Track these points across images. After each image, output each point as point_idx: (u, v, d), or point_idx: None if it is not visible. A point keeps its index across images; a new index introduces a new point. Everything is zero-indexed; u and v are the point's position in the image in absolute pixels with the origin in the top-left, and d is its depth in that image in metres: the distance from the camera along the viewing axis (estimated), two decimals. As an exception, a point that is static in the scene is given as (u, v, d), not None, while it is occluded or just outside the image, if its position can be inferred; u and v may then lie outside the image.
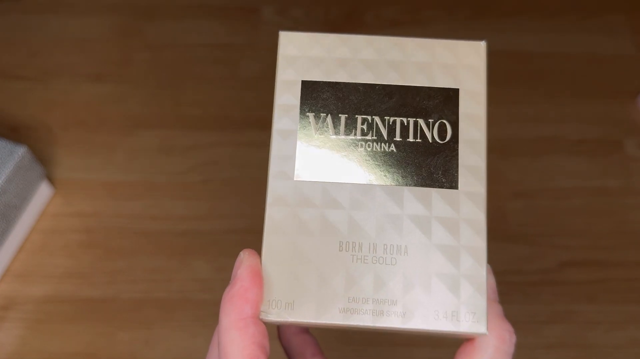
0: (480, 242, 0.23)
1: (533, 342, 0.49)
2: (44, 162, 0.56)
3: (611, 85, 0.62)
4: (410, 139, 0.24)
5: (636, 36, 0.65)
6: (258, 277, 0.22)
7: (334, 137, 0.24)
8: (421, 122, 0.24)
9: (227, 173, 0.57)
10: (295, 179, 0.24)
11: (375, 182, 0.24)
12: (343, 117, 0.24)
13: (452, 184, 0.24)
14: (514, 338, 0.22)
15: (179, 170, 0.57)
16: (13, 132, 0.58)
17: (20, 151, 0.49)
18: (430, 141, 0.24)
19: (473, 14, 0.67)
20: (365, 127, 0.24)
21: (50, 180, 0.56)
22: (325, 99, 0.25)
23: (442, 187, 0.24)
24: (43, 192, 0.54)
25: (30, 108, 0.60)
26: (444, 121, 0.24)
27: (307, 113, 0.25)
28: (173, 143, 0.58)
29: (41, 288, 0.51)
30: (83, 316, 0.50)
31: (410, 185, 0.24)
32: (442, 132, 0.24)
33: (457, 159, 0.24)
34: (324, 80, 0.25)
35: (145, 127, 0.59)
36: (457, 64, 0.25)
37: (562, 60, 0.64)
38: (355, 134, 0.24)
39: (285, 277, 0.23)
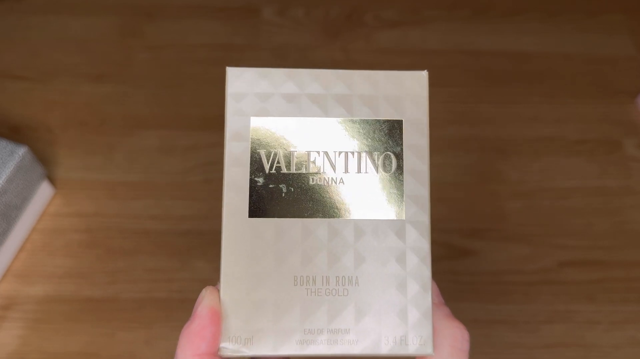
0: (425, 270, 0.24)
1: (532, 342, 0.50)
2: (44, 162, 0.56)
3: (611, 85, 0.62)
4: (358, 172, 0.25)
5: (636, 36, 0.65)
6: (216, 316, 0.23)
7: (285, 172, 0.25)
8: (368, 154, 0.25)
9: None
10: (249, 217, 0.25)
11: (325, 216, 0.25)
12: (293, 153, 0.25)
13: (399, 215, 0.25)
14: (466, 334, 0.23)
15: (179, 170, 0.57)
16: (14, 132, 0.59)
17: (21, 151, 0.49)
18: (377, 173, 0.25)
19: (473, 14, 0.67)
20: (314, 161, 0.25)
21: (51, 180, 0.56)
22: (275, 135, 0.25)
23: (389, 218, 0.25)
24: (44, 192, 0.54)
25: (31, 109, 0.60)
26: (389, 153, 0.25)
27: (258, 150, 0.25)
28: (173, 143, 0.58)
29: (42, 287, 0.51)
30: (83, 316, 0.50)
31: (358, 217, 0.25)
32: (387, 163, 0.25)
33: (403, 190, 0.25)
34: (273, 116, 0.25)
35: (145, 127, 0.59)
36: (400, 95, 0.26)
37: (562, 60, 0.64)
38: (305, 169, 0.25)
39: (244, 313, 0.24)
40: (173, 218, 0.55)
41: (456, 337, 0.23)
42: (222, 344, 0.24)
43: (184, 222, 0.54)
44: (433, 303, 0.24)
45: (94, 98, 0.61)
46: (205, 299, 0.24)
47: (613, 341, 0.50)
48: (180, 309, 0.50)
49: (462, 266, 0.53)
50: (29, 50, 0.64)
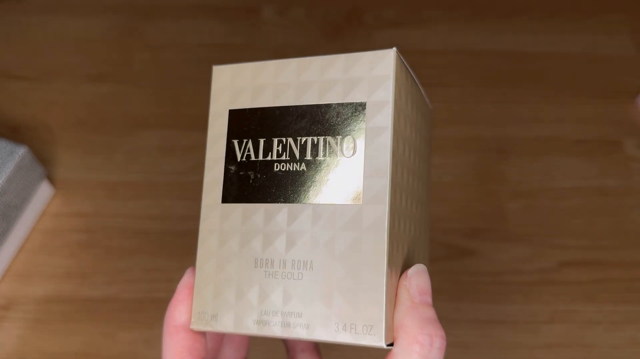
0: (380, 257, 0.23)
1: (532, 342, 0.49)
2: (44, 162, 0.56)
3: (611, 85, 0.62)
4: (320, 157, 0.25)
5: (636, 36, 0.65)
6: (191, 291, 0.26)
7: (254, 159, 0.26)
8: (330, 139, 0.25)
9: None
10: (221, 202, 0.26)
11: (286, 201, 0.25)
12: (262, 141, 0.26)
13: (357, 199, 0.24)
14: (437, 342, 0.22)
15: (179, 170, 0.57)
16: (13, 132, 0.59)
17: (21, 151, 0.49)
18: (338, 157, 0.25)
19: (473, 14, 0.67)
20: (280, 148, 0.26)
21: (51, 180, 0.56)
22: (248, 125, 0.26)
23: (347, 202, 0.24)
24: (43, 192, 0.54)
25: (31, 108, 0.60)
26: (351, 136, 0.25)
27: (233, 140, 0.27)
28: (173, 143, 0.58)
29: (41, 287, 0.51)
30: (83, 316, 0.50)
31: (317, 201, 0.25)
32: (348, 147, 0.25)
33: (362, 174, 0.24)
34: (247, 107, 0.27)
35: (145, 127, 0.59)
36: (366, 77, 0.25)
37: (562, 60, 0.64)
38: (271, 156, 0.26)
39: (211, 291, 0.26)
40: (173, 218, 0.55)
41: (423, 344, 0.22)
42: (193, 319, 0.26)
43: (184, 222, 0.54)
44: (412, 301, 0.23)
45: (93, 98, 0.61)
46: (184, 277, 0.27)
47: (613, 341, 0.49)
48: (180, 309, 0.50)
49: (462, 266, 0.53)
50: (28, 50, 0.64)
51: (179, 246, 0.53)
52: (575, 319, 0.50)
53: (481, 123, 0.60)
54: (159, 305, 0.51)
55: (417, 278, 0.24)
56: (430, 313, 0.23)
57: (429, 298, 0.24)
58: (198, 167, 0.57)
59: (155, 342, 0.49)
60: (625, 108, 0.61)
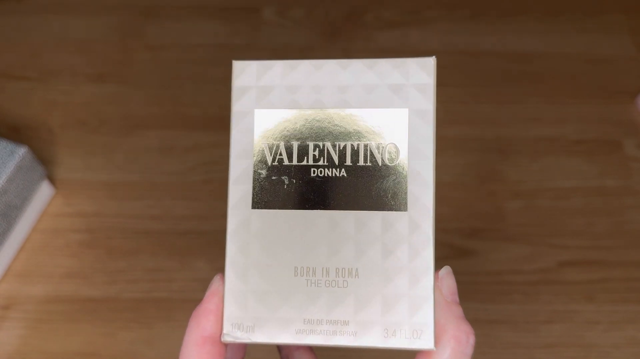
0: (428, 262, 0.24)
1: (532, 342, 0.50)
2: (44, 162, 0.56)
3: (611, 85, 0.63)
4: (361, 163, 0.25)
5: (636, 36, 0.65)
6: (222, 300, 0.25)
7: (287, 164, 0.25)
8: (371, 145, 0.25)
9: (227, 173, 0.57)
10: (252, 208, 0.25)
11: (326, 208, 0.25)
12: (295, 144, 0.25)
13: (401, 206, 0.24)
14: (471, 339, 0.23)
15: (179, 170, 0.57)
16: (14, 132, 0.59)
17: (21, 151, 0.49)
18: (380, 164, 0.25)
19: (473, 14, 0.67)
20: (316, 153, 0.25)
21: (51, 180, 0.56)
22: (278, 127, 0.25)
23: (391, 210, 0.24)
24: (44, 192, 0.54)
25: (31, 109, 0.60)
26: (394, 143, 0.25)
27: (262, 142, 0.25)
28: (173, 143, 0.58)
29: (42, 287, 0.51)
30: (84, 316, 0.50)
31: (360, 209, 0.24)
32: (391, 154, 0.25)
33: (406, 181, 0.24)
34: (277, 108, 0.25)
35: (145, 127, 0.59)
36: (405, 84, 0.25)
37: (562, 60, 0.64)
38: (307, 161, 0.25)
39: (245, 301, 0.25)
40: (173, 218, 0.55)
41: (460, 340, 0.23)
42: (224, 331, 0.24)
43: (184, 222, 0.54)
44: (445, 301, 0.24)
45: (94, 98, 0.61)
46: (213, 285, 0.25)
47: (613, 341, 0.50)
48: (180, 309, 0.50)
49: (461, 266, 0.53)
50: (29, 50, 0.64)
51: (179, 246, 0.53)
52: (575, 319, 0.50)
53: (481, 123, 0.60)
54: (159, 305, 0.51)
55: (447, 279, 0.25)
56: (461, 311, 0.24)
57: (457, 298, 0.25)
58: (198, 167, 0.57)
59: (155, 342, 0.49)
60: (625, 108, 0.61)
